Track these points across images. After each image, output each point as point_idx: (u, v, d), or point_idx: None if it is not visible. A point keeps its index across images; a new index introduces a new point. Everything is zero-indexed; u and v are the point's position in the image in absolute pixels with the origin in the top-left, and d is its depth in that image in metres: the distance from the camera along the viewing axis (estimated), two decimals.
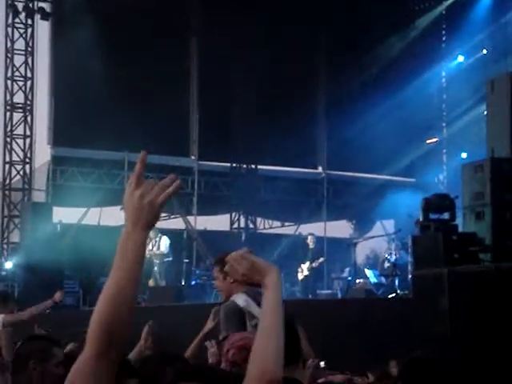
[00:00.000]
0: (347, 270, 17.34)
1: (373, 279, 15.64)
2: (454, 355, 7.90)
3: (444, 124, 21.57)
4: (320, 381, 5.02)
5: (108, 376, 2.00)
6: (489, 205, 10.73)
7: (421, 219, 11.05)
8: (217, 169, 20.82)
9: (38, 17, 18.36)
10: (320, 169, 21.44)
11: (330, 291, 17.29)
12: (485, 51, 19.77)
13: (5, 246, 17.78)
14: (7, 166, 18.34)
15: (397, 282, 14.74)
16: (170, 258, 16.31)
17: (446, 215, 11.36)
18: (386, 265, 15.79)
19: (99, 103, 17.67)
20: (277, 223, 21.97)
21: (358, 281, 15.48)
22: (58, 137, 18.60)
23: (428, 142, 21.19)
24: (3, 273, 15.58)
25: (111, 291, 2.00)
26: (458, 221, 11.73)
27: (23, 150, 18.37)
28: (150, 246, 15.53)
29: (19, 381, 3.79)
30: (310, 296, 16.03)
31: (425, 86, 20.59)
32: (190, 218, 20.02)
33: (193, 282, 16.63)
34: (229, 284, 5.47)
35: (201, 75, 19.81)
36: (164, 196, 2.04)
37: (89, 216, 19.09)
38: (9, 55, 18.34)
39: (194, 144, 20.15)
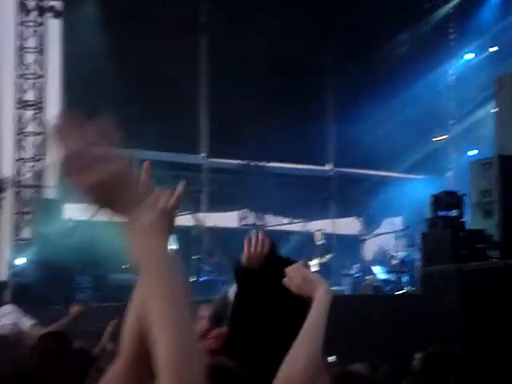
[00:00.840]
0: (355, 266, 17.39)
1: (381, 276, 15.70)
2: (463, 351, 7.97)
3: (452, 121, 21.61)
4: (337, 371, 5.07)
5: None
6: (497, 202, 10.80)
7: (429, 216, 11.14)
8: (226, 166, 20.89)
9: (48, 15, 18.46)
10: (329, 166, 21.52)
11: (338, 288, 17.36)
12: (496, 48, 19.79)
13: (16, 243, 17.88)
14: (19, 163, 18.44)
15: (404, 279, 14.81)
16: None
17: (454, 212, 11.43)
18: (394, 262, 15.85)
19: (109, 100, 17.75)
20: (285, 220, 22.00)
21: (366, 277, 15.54)
22: None
23: (436, 139, 21.24)
24: (15, 269, 15.69)
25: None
26: (466, 218, 11.78)
27: (35, 147, 18.48)
28: None
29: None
30: None
31: (433, 84, 20.64)
32: (200, 215, 20.08)
33: (202, 279, 16.71)
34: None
35: (211, 72, 19.90)
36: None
37: (100, 212, 19.10)
38: (20, 53, 18.43)
39: (204, 141, 20.24)
